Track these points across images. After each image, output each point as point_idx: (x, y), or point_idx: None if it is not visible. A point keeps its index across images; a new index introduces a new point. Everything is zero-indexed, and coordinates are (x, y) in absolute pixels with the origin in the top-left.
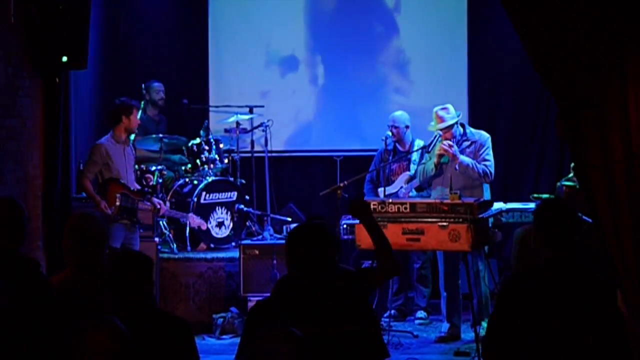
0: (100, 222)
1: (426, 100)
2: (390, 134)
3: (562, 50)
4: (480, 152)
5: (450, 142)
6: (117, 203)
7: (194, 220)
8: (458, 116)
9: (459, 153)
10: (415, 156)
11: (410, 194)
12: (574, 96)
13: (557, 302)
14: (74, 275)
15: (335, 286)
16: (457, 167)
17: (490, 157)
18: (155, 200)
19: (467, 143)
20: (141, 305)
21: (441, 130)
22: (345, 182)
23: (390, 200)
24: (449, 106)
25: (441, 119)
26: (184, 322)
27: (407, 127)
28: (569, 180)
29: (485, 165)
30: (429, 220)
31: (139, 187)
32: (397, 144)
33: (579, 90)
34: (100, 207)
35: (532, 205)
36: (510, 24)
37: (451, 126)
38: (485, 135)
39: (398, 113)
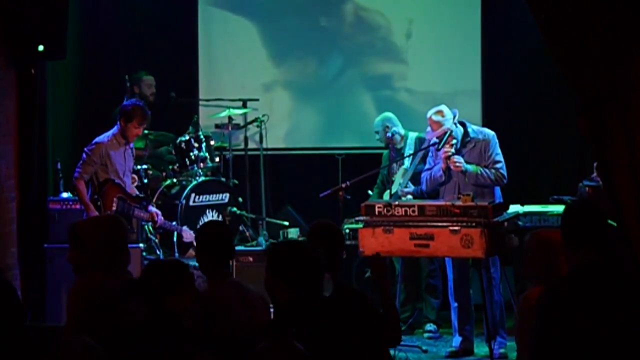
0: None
1: (436, 95)
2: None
3: (583, 41)
4: (488, 153)
5: (455, 160)
6: (114, 207)
7: (187, 234)
8: (454, 115)
9: (464, 162)
10: (407, 149)
11: (405, 189)
12: (597, 89)
13: (599, 309)
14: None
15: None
16: (467, 177)
17: (500, 157)
18: (153, 209)
19: (470, 145)
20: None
21: (440, 136)
22: (348, 183)
23: (397, 203)
24: (443, 108)
25: (438, 124)
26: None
27: (387, 127)
28: (591, 180)
29: (496, 168)
30: (439, 224)
31: (137, 193)
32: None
33: (602, 82)
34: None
35: (551, 207)
36: (527, 13)
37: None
38: (489, 133)
39: (377, 119)
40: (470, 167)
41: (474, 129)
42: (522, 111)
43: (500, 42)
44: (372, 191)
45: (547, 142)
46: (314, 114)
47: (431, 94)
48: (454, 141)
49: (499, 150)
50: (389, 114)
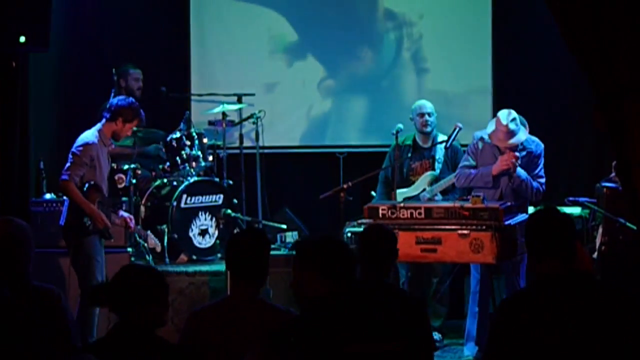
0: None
1: (446, 93)
2: (419, 125)
3: (601, 30)
4: (536, 164)
5: (517, 155)
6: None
7: (151, 241)
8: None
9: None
10: (439, 154)
11: (436, 197)
12: (615, 82)
13: (560, 323)
14: None
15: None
16: (512, 181)
17: (543, 172)
18: (125, 214)
19: (523, 153)
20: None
21: (511, 148)
22: (350, 183)
23: (402, 204)
24: (515, 115)
25: (512, 134)
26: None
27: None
28: (610, 181)
29: (539, 182)
30: (447, 227)
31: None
32: (417, 139)
33: (621, 75)
34: (99, 224)
35: (567, 209)
36: (538, 9)
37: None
38: (541, 145)
39: (424, 100)
40: (520, 172)
41: (529, 137)
42: (534, 109)
43: (511, 39)
44: (375, 191)
45: (562, 141)
46: (314, 110)
47: (441, 92)
48: (519, 154)
49: (543, 165)
50: None
